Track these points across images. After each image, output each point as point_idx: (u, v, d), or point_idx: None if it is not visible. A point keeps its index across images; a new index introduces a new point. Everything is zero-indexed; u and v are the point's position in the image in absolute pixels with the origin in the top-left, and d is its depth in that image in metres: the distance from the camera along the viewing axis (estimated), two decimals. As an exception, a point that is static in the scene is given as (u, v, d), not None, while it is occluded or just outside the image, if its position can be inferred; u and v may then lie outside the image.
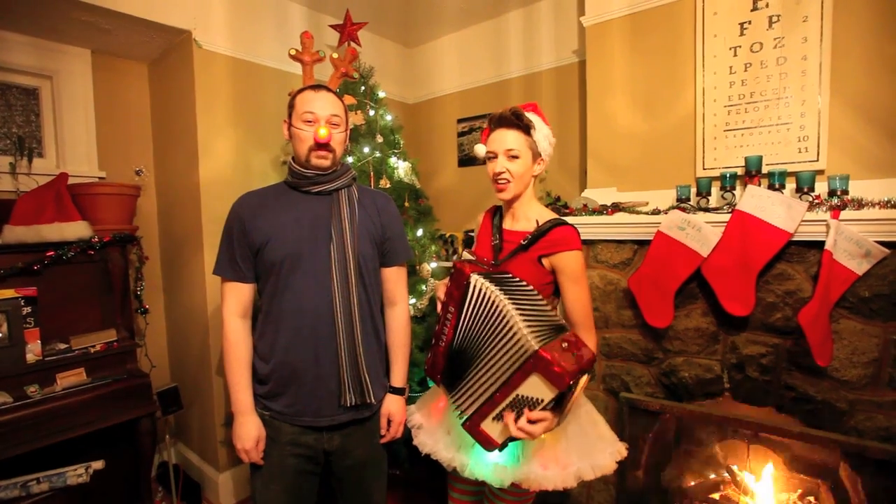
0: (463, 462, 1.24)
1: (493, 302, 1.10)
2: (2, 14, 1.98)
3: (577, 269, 1.25)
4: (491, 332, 1.10)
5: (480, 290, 1.13)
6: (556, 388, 1.00)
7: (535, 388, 1.03)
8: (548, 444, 1.21)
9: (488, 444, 1.13)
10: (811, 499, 1.82)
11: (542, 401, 1.03)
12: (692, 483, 2.06)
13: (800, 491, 1.85)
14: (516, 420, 1.06)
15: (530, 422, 1.05)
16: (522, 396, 1.05)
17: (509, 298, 1.08)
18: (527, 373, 1.02)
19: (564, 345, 1.03)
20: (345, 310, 1.26)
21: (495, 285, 1.11)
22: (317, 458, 1.34)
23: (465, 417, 1.15)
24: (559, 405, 1.06)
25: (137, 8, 2.06)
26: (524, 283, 1.19)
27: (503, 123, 1.29)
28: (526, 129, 1.28)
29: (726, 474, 2.01)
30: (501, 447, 1.13)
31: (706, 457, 2.07)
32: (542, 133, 1.31)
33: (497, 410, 1.09)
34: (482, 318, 1.13)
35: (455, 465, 1.26)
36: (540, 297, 1.17)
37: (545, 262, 1.27)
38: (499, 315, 1.08)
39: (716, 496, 1.98)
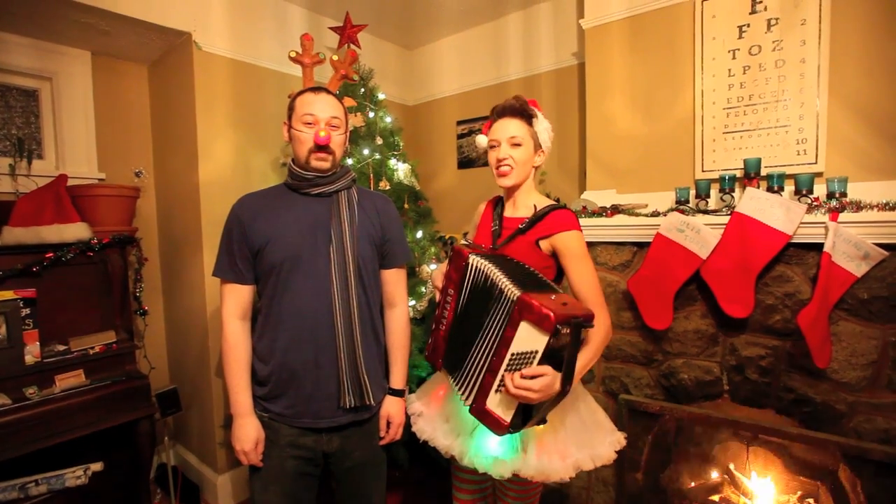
0: (461, 450, 1.23)
1: (489, 277, 1.12)
2: (1, 16, 1.98)
3: (577, 248, 1.26)
4: (486, 303, 1.12)
5: (478, 268, 1.15)
6: (546, 332, 0.99)
7: (527, 339, 1.02)
8: (547, 435, 1.21)
9: (498, 426, 1.09)
10: (810, 501, 1.82)
11: (537, 353, 1.02)
12: (691, 484, 2.06)
13: (799, 493, 1.85)
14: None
15: (530, 379, 1.02)
16: (517, 354, 1.04)
17: (503, 272, 1.10)
18: (515, 323, 1.02)
19: (553, 297, 1.04)
20: (344, 312, 1.26)
21: (492, 263, 1.13)
22: (316, 459, 1.34)
23: (470, 401, 1.13)
24: (557, 363, 1.04)
25: (137, 10, 2.06)
26: (522, 263, 1.20)
27: (507, 113, 1.32)
28: (529, 118, 1.31)
29: (726, 476, 2.01)
30: (511, 428, 1.09)
31: (705, 458, 2.07)
32: (543, 125, 1.34)
33: (497, 380, 1.07)
34: (479, 295, 1.14)
35: (453, 452, 1.25)
36: (539, 274, 1.18)
37: (543, 245, 1.28)
38: (492, 285, 1.11)
39: (715, 498, 1.98)
